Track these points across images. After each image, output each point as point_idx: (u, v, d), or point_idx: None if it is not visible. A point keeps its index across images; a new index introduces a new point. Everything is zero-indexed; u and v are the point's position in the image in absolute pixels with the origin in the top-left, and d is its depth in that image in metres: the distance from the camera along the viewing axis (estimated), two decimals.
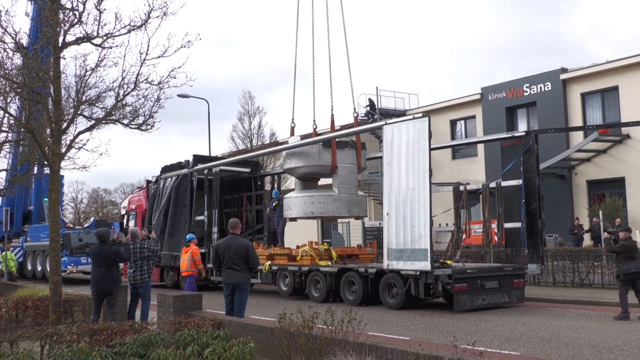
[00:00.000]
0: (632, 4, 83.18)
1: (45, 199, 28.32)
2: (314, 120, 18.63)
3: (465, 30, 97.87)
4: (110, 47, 10.45)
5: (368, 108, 35.70)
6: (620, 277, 12.91)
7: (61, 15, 10.22)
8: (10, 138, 15.07)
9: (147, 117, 10.98)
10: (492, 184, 16.70)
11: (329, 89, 18.32)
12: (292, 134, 18.78)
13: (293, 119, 18.97)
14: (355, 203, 17.94)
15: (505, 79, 34.58)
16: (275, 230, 21.15)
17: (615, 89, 28.20)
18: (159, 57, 10.56)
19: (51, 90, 10.38)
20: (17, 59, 10.94)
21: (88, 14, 10.16)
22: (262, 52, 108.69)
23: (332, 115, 18.31)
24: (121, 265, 12.32)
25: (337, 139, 17.49)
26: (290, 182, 32.94)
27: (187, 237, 17.64)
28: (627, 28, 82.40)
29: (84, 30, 10.25)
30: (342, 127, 20.02)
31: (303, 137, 18.45)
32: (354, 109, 18.59)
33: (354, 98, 18.63)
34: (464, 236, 17.43)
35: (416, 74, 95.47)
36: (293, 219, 18.87)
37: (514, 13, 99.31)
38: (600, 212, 24.43)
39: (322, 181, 19.27)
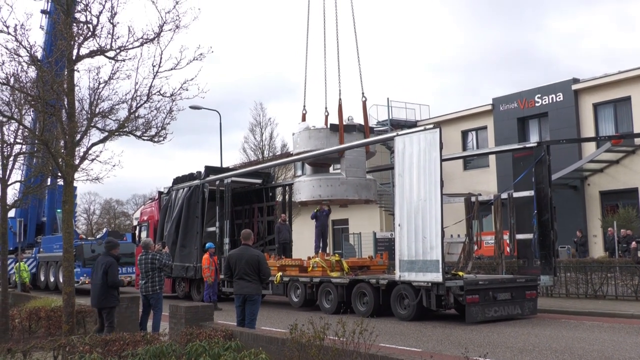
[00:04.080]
0: (600, 16, 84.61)
1: (59, 210, 28.52)
2: (326, 108, 18.92)
3: (437, 45, 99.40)
4: (123, 60, 10.55)
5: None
6: None
7: (75, 29, 10.33)
8: (24, 150, 15.21)
9: (160, 128, 11.06)
10: (504, 195, 16.63)
11: (335, 79, 18.49)
12: (303, 119, 19.09)
13: (304, 106, 19.31)
14: (364, 186, 18.00)
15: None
16: (286, 241, 21.19)
17: (627, 99, 28.07)
18: (172, 69, 10.64)
19: (65, 103, 10.48)
20: (32, 72, 11.09)
21: (102, 28, 10.27)
22: (248, 64, 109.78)
23: (340, 99, 18.31)
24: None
25: (344, 130, 17.79)
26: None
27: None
28: (597, 40, 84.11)
29: (98, 44, 10.36)
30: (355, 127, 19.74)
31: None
32: (362, 93, 18.64)
33: (362, 82, 18.69)
34: (475, 247, 17.35)
35: (407, 87, 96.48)
36: (303, 203, 19.03)
37: (485, 28, 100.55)
38: (615, 222, 24.26)
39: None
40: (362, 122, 18.55)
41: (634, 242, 14.23)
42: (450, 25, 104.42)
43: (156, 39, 10.41)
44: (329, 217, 21.59)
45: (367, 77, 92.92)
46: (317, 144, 17.80)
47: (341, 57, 18.30)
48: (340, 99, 18.29)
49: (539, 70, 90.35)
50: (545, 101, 30.77)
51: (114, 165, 11.42)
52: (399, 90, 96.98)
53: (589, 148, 28.95)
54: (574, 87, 29.67)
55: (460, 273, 15.22)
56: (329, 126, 18.12)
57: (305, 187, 18.23)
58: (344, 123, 17.95)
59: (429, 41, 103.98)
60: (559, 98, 30.17)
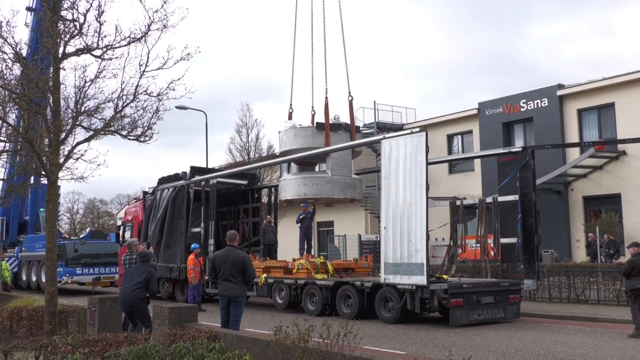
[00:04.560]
0: (580, 23, 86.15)
1: (42, 209, 28.27)
2: (313, 107, 18.90)
3: (419, 50, 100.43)
4: (110, 59, 10.51)
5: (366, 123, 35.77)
6: (627, 294, 12.84)
7: (61, 27, 10.27)
8: (7, 148, 15.07)
9: (146, 128, 11.02)
10: (489, 199, 16.72)
11: (322, 77, 18.42)
12: (289, 118, 19.10)
13: (291, 105, 19.37)
14: (349, 185, 18.06)
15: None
16: (271, 242, 21.13)
17: (611, 105, 28.36)
18: (159, 69, 10.62)
19: (50, 101, 10.42)
20: (17, 70, 11.00)
21: (88, 26, 10.22)
22: (232, 64, 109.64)
23: (327, 98, 18.29)
24: None
25: (330, 128, 17.82)
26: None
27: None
28: (578, 46, 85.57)
29: (84, 42, 10.31)
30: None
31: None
32: (349, 92, 18.63)
33: (348, 81, 18.73)
34: (460, 251, 17.42)
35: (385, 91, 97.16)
36: (288, 201, 19.07)
37: (466, 34, 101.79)
38: (597, 228, 24.47)
39: None
40: (348, 121, 18.58)
41: (619, 259, 14.48)
42: (432, 31, 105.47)
43: (143, 38, 10.39)
44: (314, 218, 21.56)
45: (353, 81, 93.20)
46: (303, 143, 17.84)
47: (327, 57, 18.31)
48: (326, 98, 18.31)
49: (520, 75, 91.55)
50: (530, 106, 31.01)
51: (99, 165, 11.36)
52: (382, 94, 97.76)
53: (573, 153, 29.21)
54: (559, 92, 29.93)
55: (445, 276, 15.28)
56: (315, 125, 18.14)
57: (291, 185, 18.25)
58: (330, 122, 17.96)
59: (411, 46, 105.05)
60: (544, 103, 30.42)
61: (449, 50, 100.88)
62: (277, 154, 20.07)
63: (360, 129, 33.25)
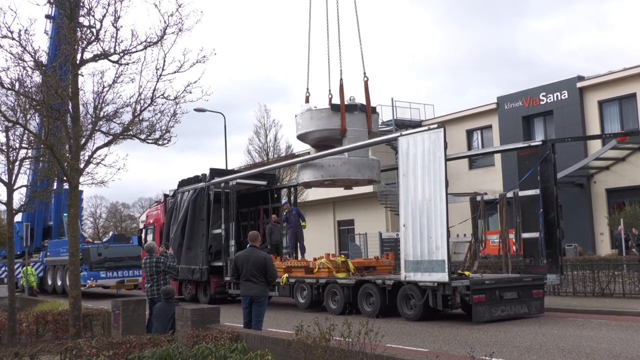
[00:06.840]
0: (578, 16, 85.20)
1: (65, 214, 28.62)
2: (329, 90, 18.68)
3: (419, 47, 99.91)
4: (127, 64, 10.61)
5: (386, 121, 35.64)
6: None
7: (79, 33, 10.39)
8: (30, 154, 15.28)
9: (164, 131, 11.11)
10: (510, 194, 16.59)
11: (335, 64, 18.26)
12: (307, 101, 19.05)
13: (307, 88, 19.29)
14: (366, 166, 17.95)
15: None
16: (277, 242, 21.11)
17: (632, 96, 27.98)
18: (175, 72, 10.70)
19: (70, 107, 10.55)
20: (37, 77, 11.14)
21: (105, 32, 10.34)
22: (240, 66, 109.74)
23: (341, 79, 18.02)
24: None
25: (346, 109, 17.59)
26: (307, 194, 32.99)
27: None
28: (577, 39, 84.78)
29: (101, 48, 10.42)
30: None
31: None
32: (364, 73, 18.44)
33: (363, 61, 18.48)
34: (481, 247, 17.30)
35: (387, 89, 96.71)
36: (306, 184, 19.11)
37: (464, 29, 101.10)
38: (622, 220, 24.16)
39: None
40: (364, 102, 18.44)
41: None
42: (432, 29, 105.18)
43: (159, 42, 10.47)
44: (302, 215, 21.44)
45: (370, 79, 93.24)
46: (318, 125, 17.76)
47: (342, 41, 18.04)
48: (341, 79, 18.10)
49: (523, 69, 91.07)
50: (550, 99, 30.70)
51: (118, 169, 11.47)
52: (389, 93, 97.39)
53: (595, 146, 28.87)
54: (579, 84, 29.59)
55: (467, 273, 15.18)
56: (330, 106, 18.05)
57: (308, 168, 18.22)
58: (346, 103, 17.87)
59: (411, 44, 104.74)
60: (564, 96, 30.11)
61: (449, 46, 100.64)
62: (296, 137, 19.85)
63: (379, 126, 33.16)
